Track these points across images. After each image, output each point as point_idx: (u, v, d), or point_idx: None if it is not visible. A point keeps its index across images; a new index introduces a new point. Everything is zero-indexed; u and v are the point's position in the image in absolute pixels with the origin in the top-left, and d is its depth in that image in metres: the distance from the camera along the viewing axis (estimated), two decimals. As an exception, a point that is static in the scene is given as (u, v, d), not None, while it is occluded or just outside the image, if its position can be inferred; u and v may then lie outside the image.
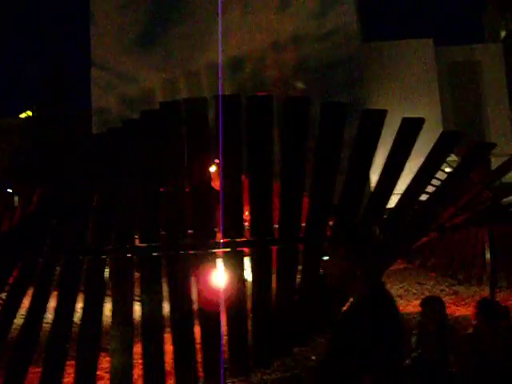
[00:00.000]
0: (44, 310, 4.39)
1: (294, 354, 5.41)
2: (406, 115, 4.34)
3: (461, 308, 7.70)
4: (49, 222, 4.55)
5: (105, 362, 4.83)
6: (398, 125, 4.17)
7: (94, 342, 4.41)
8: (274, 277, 4.42)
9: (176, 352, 4.33)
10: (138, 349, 4.34)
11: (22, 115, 22.86)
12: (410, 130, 4.17)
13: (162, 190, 4.41)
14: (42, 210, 4.78)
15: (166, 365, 4.34)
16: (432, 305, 4.89)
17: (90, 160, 4.63)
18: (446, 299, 5.57)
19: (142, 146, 4.46)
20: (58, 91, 19.33)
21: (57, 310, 4.39)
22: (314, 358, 5.35)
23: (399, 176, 4.20)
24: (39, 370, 4.34)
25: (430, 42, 18.00)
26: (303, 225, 4.41)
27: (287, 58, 15.99)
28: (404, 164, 4.19)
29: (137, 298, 4.41)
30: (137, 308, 4.38)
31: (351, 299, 2.34)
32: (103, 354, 4.76)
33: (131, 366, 4.35)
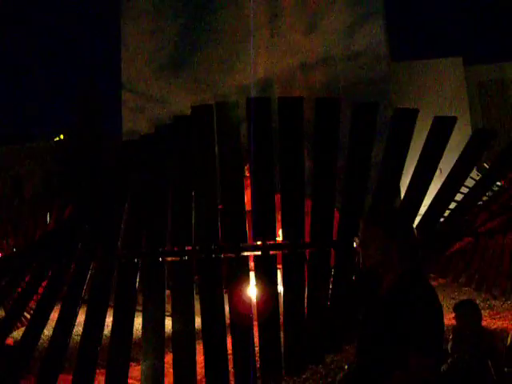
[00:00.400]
0: (75, 315, 4.41)
1: (326, 364, 5.34)
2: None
3: (497, 321, 7.53)
4: (81, 228, 4.59)
5: (135, 371, 4.80)
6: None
7: (124, 351, 4.40)
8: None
9: (207, 361, 4.29)
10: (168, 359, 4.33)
11: (56, 139, 23.26)
12: (442, 129, 4.13)
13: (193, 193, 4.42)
14: (76, 216, 4.80)
15: (198, 374, 4.31)
16: (466, 308, 4.78)
17: (122, 165, 4.68)
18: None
19: (173, 150, 4.49)
20: (89, 114, 19.59)
21: (87, 319, 4.41)
22: (346, 367, 5.23)
23: (432, 176, 4.15)
24: (70, 377, 4.35)
25: (460, 61, 17.83)
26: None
27: (316, 79, 15.97)
28: (437, 164, 4.14)
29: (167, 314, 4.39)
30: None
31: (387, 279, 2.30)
32: (133, 364, 4.75)
33: (162, 375, 4.33)
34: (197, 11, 17.45)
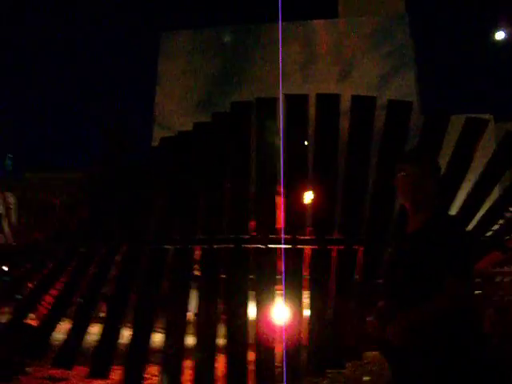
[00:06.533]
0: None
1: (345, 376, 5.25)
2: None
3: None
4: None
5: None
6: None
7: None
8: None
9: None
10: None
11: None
12: (473, 131, 4.23)
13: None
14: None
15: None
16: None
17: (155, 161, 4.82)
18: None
19: (211, 145, 4.60)
20: (119, 147, 19.85)
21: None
22: (366, 378, 5.17)
23: (465, 175, 4.21)
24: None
25: (491, 118, 17.89)
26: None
27: (345, 127, 16.06)
28: (469, 165, 4.21)
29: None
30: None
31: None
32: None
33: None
34: (231, 55, 17.88)
